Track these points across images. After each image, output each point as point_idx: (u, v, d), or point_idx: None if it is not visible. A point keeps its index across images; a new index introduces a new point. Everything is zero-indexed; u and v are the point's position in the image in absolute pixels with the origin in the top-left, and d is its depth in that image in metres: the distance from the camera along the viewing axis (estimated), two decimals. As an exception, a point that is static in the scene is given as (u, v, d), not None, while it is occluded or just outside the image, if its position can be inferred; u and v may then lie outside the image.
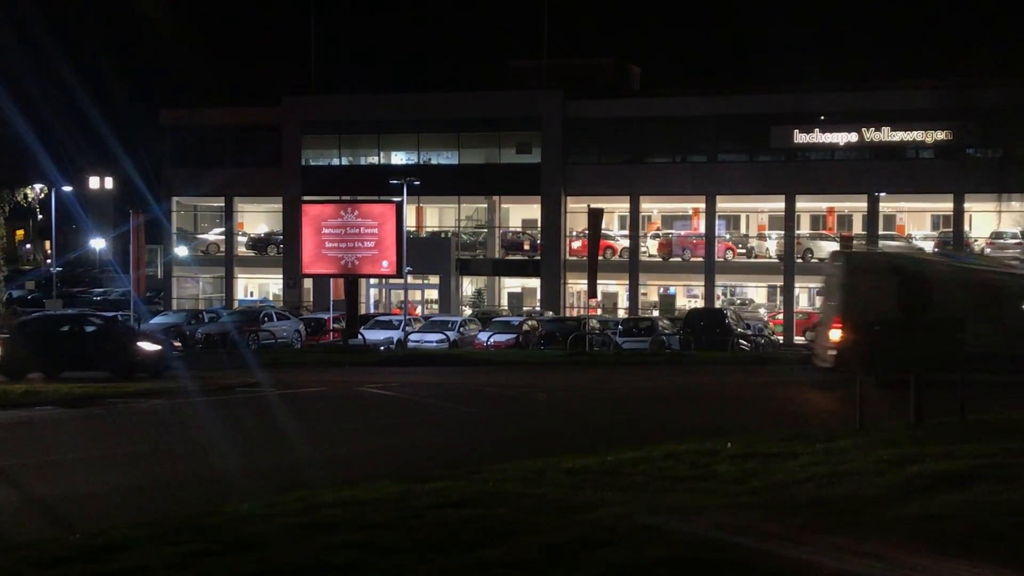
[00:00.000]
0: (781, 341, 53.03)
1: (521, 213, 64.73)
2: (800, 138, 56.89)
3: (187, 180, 64.09)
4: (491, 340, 45.25)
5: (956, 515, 9.93)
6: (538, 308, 59.03)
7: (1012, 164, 48.73)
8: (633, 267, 59.13)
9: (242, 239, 66.38)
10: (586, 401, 24.90)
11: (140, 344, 30.89)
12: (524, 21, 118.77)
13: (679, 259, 59.61)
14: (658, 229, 62.87)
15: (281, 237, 63.24)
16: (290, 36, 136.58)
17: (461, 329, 47.42)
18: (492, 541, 9.20)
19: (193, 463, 16.03)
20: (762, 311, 59.92)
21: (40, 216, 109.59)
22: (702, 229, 59.46)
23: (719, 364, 37.34)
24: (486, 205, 63.90)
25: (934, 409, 16.88)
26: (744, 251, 60.33)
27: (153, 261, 68.38)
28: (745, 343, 45.14)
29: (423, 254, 57.97)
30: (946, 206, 56.57)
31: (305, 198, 55.83)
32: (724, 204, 59.86)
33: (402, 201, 48.69)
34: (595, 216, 45.47)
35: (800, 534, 9.37)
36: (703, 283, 58.73)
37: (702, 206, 59.18)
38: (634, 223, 59.64)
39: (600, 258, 50.59)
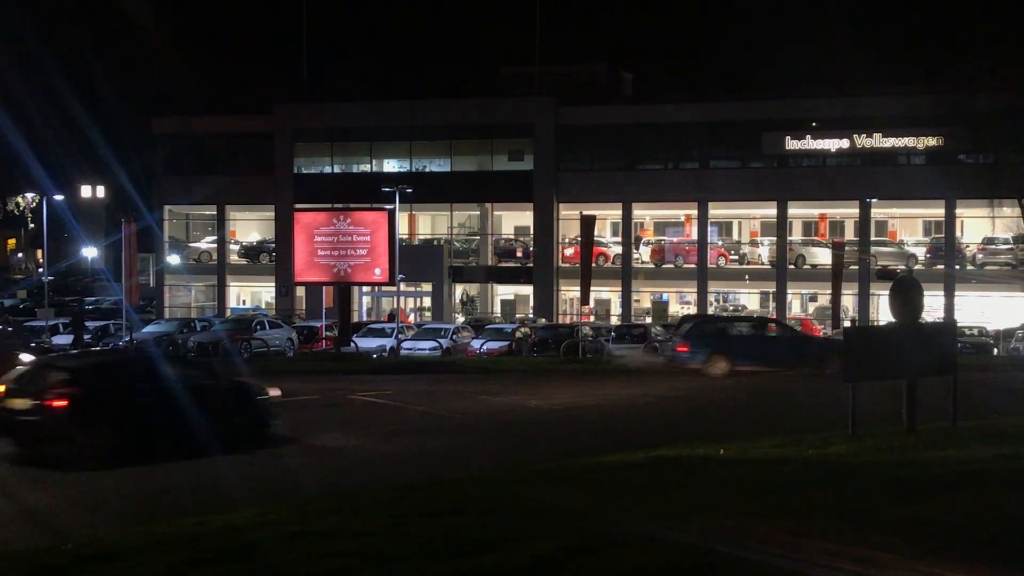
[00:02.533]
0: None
1: (514, 220, 64.74)
2: (792, 145, 56.96)
3: (179, 188, 64.04)
4: (484, 347, 45.21)
5: (947, 520, 9.96)
6: (531, 315, 59.01)
7: (1003, 170, 48.86)
8: (626, 274, 59.15)
9: (234, 247, 66.31)
10: (579, 407, 24.89)
11: None
12: (516, 28, 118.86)
13: (672, 266, 59.65)
14: (649, 235, 62.92)
15: (273, 245, 63.18)
16: (282, 44, 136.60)
17: (454, 336, 47.40)
18: (485, 548, 9.20)
19: (186, 471, 16.01)
20: (755, 317, 59.95)
21: (32, 225, 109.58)
22: (694, 236, 59.51)
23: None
24: (478, 212, 63.92)
25: (927, 415, 16.93)
26: (736, 257, 60.37)
27: (145, 270, 68.16)
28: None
29: (416, 262, 57.97)
30: (938, 212, 56.65)
31: (297, 206, 55.84)
32: (716, 211, 59.91)
33: (394, 209, 48.69)
34: (588, 223, 45.50)
35: (792, 539, 9.39)
36: (696, 289, 58.76)
37: (694, 213, 59.24)
38: (626, 230, 59.68)
39: (593, 265, 50.59)
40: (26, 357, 30.70)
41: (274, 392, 20.78)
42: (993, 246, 55.20)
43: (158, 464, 16.62)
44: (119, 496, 14.37)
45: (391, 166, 63.45)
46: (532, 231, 60.86)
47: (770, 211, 58.24)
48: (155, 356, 23.59)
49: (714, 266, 58.78)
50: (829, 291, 52.58)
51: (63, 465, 16.33)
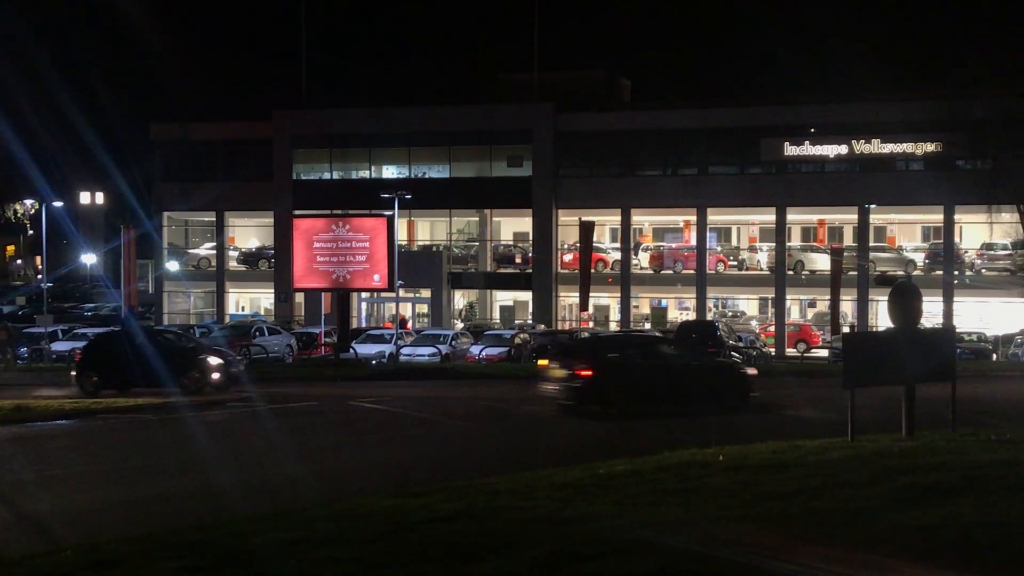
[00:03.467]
0: (773, 353, 53.08)
1: (512, 226, 64.76)
2: (790, 150, 57.00)
3: (178, 195, 64.03)
4: (483, 353, 45.23)
5: (946, 526, 9.95)
6: (530, 321, 58.99)
7: (1002, 175, 48.87)
8: (625, 280, 59.14)
9: (233, 253, 66.30)
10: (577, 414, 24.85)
11: None
12: (515, 35, 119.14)
13: (670, 271, 59.66)
14: (648, 241, 62.94)
15: (272, 251, 63.18)
16: (281, 50, 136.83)
17: (453, 343, 47.42)
18: (484, 554, 9.20)
19: (185, 478, 16.00)
20: (754, 323, 59.98)
21: (31, 231, 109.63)
22: (693, 241, 59.54)
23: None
24: (477, 218, 63.93)
25: (926, 422, 16.93)
26: (735, 263, 60.38)
27: (144, 276, 68.26)
28: (737, 355, 45.13)
29: (415, 268, 57.97)
30: (936, 218, 56.69)
31: (296, 212, 55.83)
32: (715, 216, 59.94)
33: (393, 215, 48.69)
34: (587, 229, 45.57)
35: (792, 546, 9.39)
36: (695, 295, 58.77)
37: (693, 218, 59.26)
38: (625, 236, 59.68)
39: (592, 271, 50.67)
40: (213, 360, 30.87)
41: (752, 371, 25.73)
42: (992, 252, 55.22)
43: (664, 418, 21.92)
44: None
45: (390, 172, 63.48)
46: (531, 237, 60.87)
47: (769, 217, 58.27)
48: (655, 339, 31.41)
49: (713, 272, 58.79)
50: (828, 297, 52.64)
51: (592, 416, 22.89)
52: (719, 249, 61.25)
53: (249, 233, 68.57)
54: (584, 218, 48.33)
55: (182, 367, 30.16)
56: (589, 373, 23.37)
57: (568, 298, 60.29)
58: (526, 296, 61.85)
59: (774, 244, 58.06)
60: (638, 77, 70.67)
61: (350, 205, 56.64)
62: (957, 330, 40.29)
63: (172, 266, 65.73)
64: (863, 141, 55.68)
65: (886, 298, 17.97)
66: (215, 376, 30.36)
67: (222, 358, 31.42)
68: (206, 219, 66.74)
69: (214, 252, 65.45)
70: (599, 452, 16.55)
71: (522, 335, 49.05)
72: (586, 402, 23.29)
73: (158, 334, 34.96)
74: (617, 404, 22.93)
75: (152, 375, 29.87)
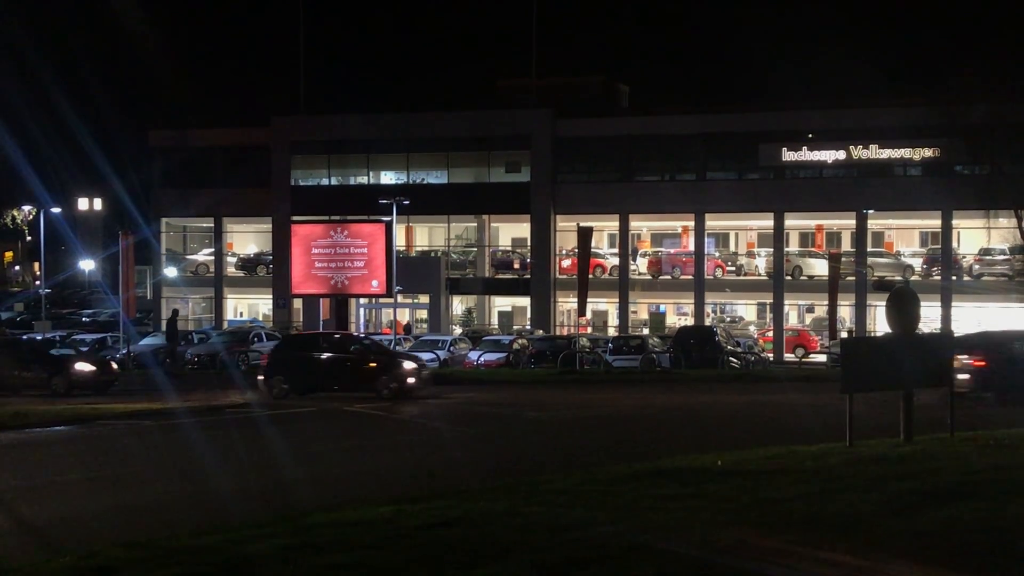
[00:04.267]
0: (771, 358, 53.06)
1: (511, 232, 64.74)
2: (788, 156, 56.99)
3: (176, 201, 64.01)
4: (481, 359, 45.20)
5: (945, 531, 9.97)
6: (528, 327, 58.96)
7: (999, 180, 48.94)
8: (623, 285, 59.15)
9: (231, 259, 66.26)
10: (576, 420, 24.88)
11: None
12: (513, 41, 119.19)
13: (669, 277, 59.64)
14: (646, 247, 62.92)
15: (271, 257, 63.14)
16: (279, 56, 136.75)
17: (451, 348, 47.38)
18: (483, 560, 9.20)
19: (183, 485, 15.99)
20: (752, 328, 59.97)
21: (29, 237, 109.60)
22: (691, 247, 59.54)
23: (709, 382, 37.30)
24: (476, 224, 63.91)
25: (924, 426, 16.95)
26: (733, 269, 60.37)
27: (142, 282, 68.16)
28: (735, 360, 45.15)
29: (413, 273, 57.91)
30: (934, 223, 56.69)
31: (295, 218, 55.82)
32: (713, 222, 59.93)
33: (392, 221, 48.71)
34: (585, 234, 45.55)
35: (790, 551, 9.39)
36: (693, 301, 58.75)
37: (691, 224, 59.26)
38: (624, 241, 59.68)
39: (590, 276, 50.53)
40: (409, 365, 30.71)
41: None
42: (990, 257, 55.20)
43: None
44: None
45: (388, 178, 63.46)
46: (529, 243, 60.86)
47: (767, 222, 58.27)
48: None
49: (711, 277, 58.80)
50: (826, 302, 52.61)
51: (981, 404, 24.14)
52: (717, 255, 61.24)
53: (247, 239, 68.53)
54: (582, 223, 48.29)
55: (376, 373, 30.07)
56: (983, 364, 25.30)
57: (566, 303, 60.25)
58: (524, 302, 61.81)
59: (772, 249, 58.05)
60: (636, 83, 70.68)
61: (348, 211, 56.65)
62: (955, 335, 40.28)
63: (170, 272, 65.67)
64: (861, 147, 55.68)
65: (884, 303, 17.99)
66: (411, 381, 30.29)
67: (415, 363, 31.40)
68: (204, 225, 66.70)
69: (212, 258, 65.38)
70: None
71: (520, 340, 49.02)
72: (980, 390, 25.00)
73: (352, 340, 34.61)
74: (1010, 391, 24.58)
75: (343, 381, 29.95)
